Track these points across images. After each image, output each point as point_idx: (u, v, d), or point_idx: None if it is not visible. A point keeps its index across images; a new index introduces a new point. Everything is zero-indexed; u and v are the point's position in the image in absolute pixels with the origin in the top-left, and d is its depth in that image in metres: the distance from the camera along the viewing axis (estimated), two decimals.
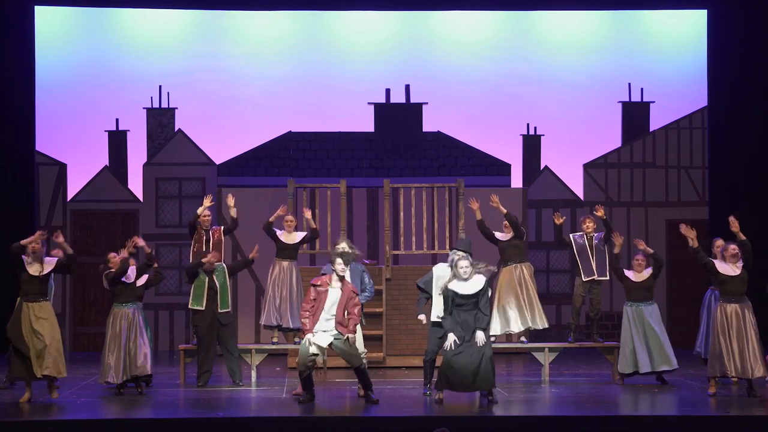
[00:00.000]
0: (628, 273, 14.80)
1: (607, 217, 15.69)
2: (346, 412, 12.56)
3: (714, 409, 12.53)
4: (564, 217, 15.64)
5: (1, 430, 11.65)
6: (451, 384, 12.68)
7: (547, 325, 15.60)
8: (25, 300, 13.05)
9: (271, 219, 15.73)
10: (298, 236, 15.84)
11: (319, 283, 12.90)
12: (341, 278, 12.90)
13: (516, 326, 15.45)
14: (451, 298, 12.83)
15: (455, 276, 12.89)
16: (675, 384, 14.61)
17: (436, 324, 13.27)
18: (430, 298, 13.49)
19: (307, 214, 15.81)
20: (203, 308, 14.54)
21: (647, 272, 14.74)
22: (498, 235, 15.61)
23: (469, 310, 12.80)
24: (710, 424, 11.88)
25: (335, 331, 12.72)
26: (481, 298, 12.82)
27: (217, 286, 14.59)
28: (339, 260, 12.90)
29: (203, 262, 14.63)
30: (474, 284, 12.84)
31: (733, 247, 13.54)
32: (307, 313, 12.78)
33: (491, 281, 13.28)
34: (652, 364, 14.58)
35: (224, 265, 14.89)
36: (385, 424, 11.93)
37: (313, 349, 12.59)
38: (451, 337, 12.75)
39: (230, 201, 15.66)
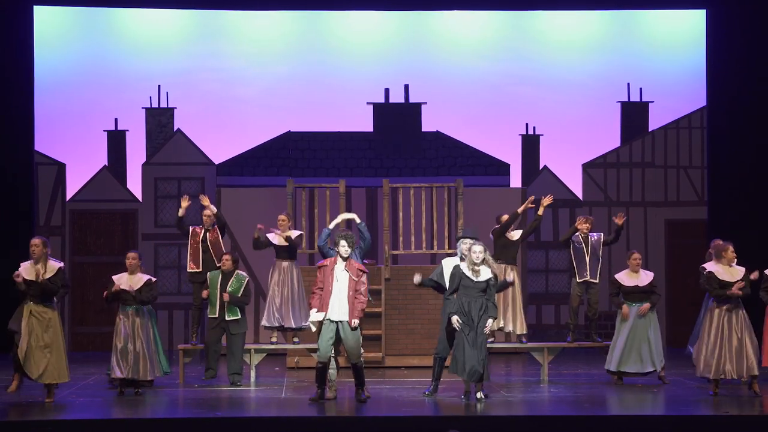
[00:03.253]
0: (620, 278, 14.77)
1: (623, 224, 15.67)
2: (345, 412, 12.56)
3: (714, 409, 12.53)
4: (587, 225, 15.54)
5: (1, 430, 11.65)
6: (464, 371, 12.76)
7: (523, 332, 15.56)
8: (30, 300, 13.03)
9: (255, 235, 15.66)
10: (293, 235, 15.75)
11: (325, 264, 12.91)
12: (346, 259, 12.88)
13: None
14: (459, 278, 12.93)
15: (468, 261, 13.02)
16: (674, 384, 14.61)
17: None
18: (443, 290, 13.48)
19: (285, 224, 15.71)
20: (215, 315, 14.59)
21: (645, 279, 14.71)
22: (508, 233, 15.60)
23: (474, 296, 12.87)
24: (710, 424, 11.89)
25: (345, 317, 12.77)
26: (489, 288, 12.94)
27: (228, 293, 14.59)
28: (343, 242, 12.87)
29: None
30: (483, 272, 12.96)
31: (731, 250, 13.51)
32: (316, 294, 12.82)
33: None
34: (644, 364, 14.58)
35: (246, 276, 14.84)
36: (385, 424, 11.94)
37: (318, 327, 12.68)
38: (455, 318, 12.84)
39: (205, 201, 15.55)
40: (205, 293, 14.74)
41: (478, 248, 13.07)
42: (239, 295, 14.63)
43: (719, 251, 13.59)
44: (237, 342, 14.67)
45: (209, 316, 14.69)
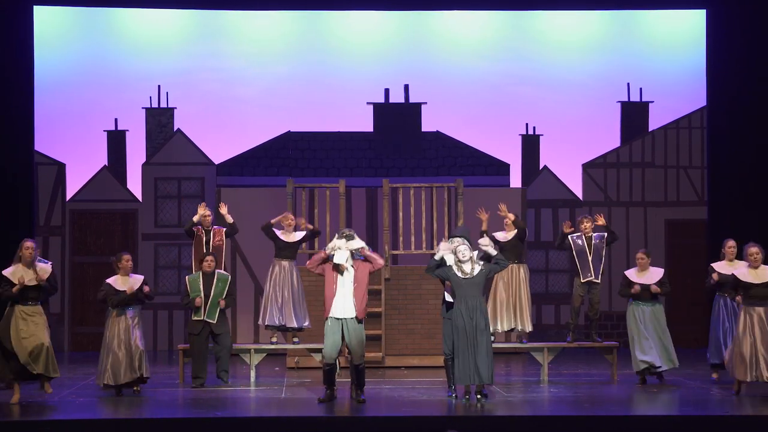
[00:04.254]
0: (630, 275, 14.79)
1: (607, 222, 15.71)
2: (345, 412, 12.56)
3: (714, 409, 12.52)
4: (573, 228, 15.59)
5: (1, 430, 11.64)
6: (460, 378, 12.81)
7: (530, 329, 15.62)
8: (16, 302, 12.98)
9: (272, 221, 15.66)
10: (298, 235, 15.82)
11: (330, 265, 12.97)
12: (349, 258, 12.93)
13: (502, 326, 15.50)
14: (449, 275, 12.97)
15: (456, 261, 13.03)
16: (674, 383, 14.62)
17: (447, 320, 13.25)
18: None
19: (302, 223, 15.76)
20: (200, 318, 14.55)
21: (655, 276, 14.73)
22: (498, 235, 15.64)
23: (470, 294, 12.84)
24: (710, 424, 11.88)
25: (354, 315, 12.83)
26: (490, 260, 13.02)
27: (211, 294, 14.53)
28: (342, 240, 12.92)
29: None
30: (474, 267, 12.94)
31: (754, 250, 13.43)
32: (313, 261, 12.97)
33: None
34: (662, 362, 14.62)
35: (228, 275, 14.83)
36: (385, 424, 11.93)
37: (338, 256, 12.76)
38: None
39: (223, 210, 15.57)
40: (198, 301, 14.61)
41: (463, 248, 13.01)
42: (231, 296, 14.62)
43: (745, 253, 13.54)
44: (223, 341, 14.62)
45: (194, 318, 14.60)
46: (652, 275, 14.79)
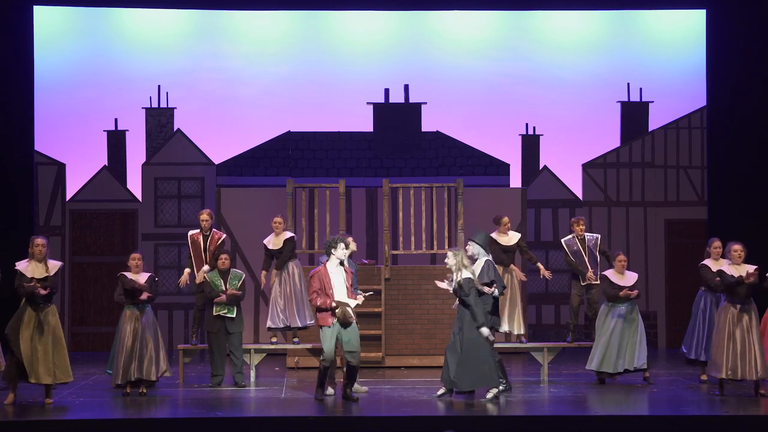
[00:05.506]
0: (609, 276, 14.73)
1: (604, 248, 15.77)
2: (345, 412, 12.56)
3: (713, 409, 12.53)
4: (551, 276, 15.73)
5: (1, 430, 11.65)
6: (443, 379, 12.92)
7: (521, 332, 15.63)
8: (29, 302, 12.99)
9: (262, 286, 15.98)
10: (287, 234, 15.72)
11: (319, 270, 13.04)
12: (341, 262, 13.08)
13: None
14: (454, 290, 13.07)
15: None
16: (674, 384, 14.61)
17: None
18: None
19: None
20: (219, 313, 14.55)
21: (631, 280, 14.67)
22: (499, 236, 15.66)
23: (457, 303, 13.02)
24: (709, 424, 11.89)
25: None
26: (462, 292, 12.95)
27: (227, 290, 14.55)
28: (342, 245, 13.08)
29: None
30: (455, 278, 13.06)
31: (736, 248, 13.47)
32: (315, 294, 12.92)
33: None
34: (629, 363, 14.56)
35: (242, 273, 14.85)
36: (385, 424, 11.94)
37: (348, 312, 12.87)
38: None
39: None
40: (221, 297, 14.63)
41: (449, 254, 13.16)
42: (238, 291, 14.63)
43: (728, 250, 13.59)
44: (237, 341, 14.66)
45: (214, 314, 14.60)
46: (628, 279, 14.71)
